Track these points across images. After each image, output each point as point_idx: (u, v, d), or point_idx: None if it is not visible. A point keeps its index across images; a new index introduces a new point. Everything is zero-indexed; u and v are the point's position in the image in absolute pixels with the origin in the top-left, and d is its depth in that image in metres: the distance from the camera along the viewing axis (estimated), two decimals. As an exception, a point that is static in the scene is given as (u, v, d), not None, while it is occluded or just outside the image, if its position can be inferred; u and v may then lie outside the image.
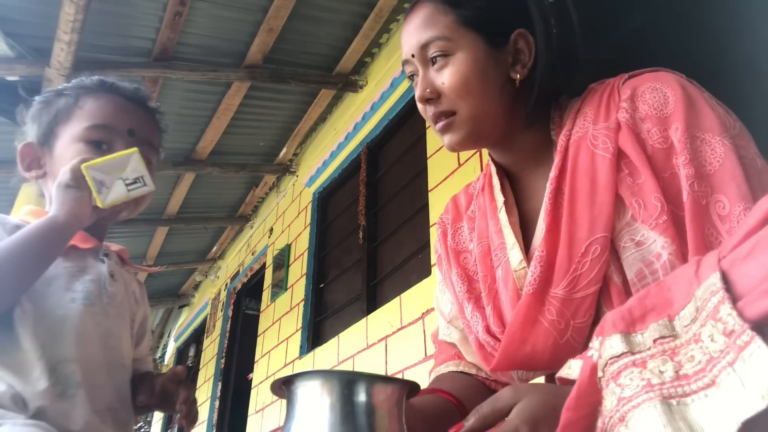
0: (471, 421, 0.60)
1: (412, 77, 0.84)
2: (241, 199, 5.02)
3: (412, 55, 0.81)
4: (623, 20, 1.80)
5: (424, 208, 2.69)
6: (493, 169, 0.87)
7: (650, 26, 1.81)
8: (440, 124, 0.80)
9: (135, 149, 0.87)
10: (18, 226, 0.87)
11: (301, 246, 4.04)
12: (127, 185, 0.84)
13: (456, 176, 2.50)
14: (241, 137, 4.09)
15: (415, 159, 2.99)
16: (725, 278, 0.41)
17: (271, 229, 4.75)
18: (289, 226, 4.40)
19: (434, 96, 0.79)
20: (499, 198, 0.84)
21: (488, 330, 0.82)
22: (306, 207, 4.17)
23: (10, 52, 2.80)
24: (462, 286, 0.88)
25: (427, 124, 2.83)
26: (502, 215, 0.82)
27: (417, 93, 0.81)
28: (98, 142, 0.93)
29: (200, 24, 3.03)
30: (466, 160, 2.44)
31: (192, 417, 0.93)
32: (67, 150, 0.93)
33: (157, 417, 7.06)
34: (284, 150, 4.31)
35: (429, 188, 2.67)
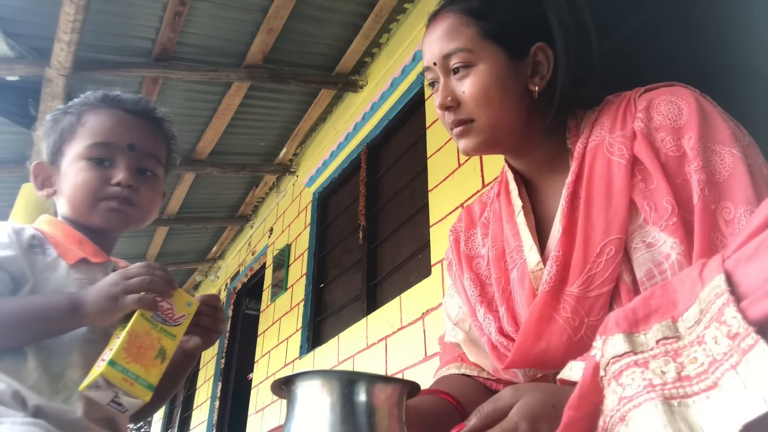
0: (473, 420, 0.60)
1: (432, 84, 0.86)
2: (241, 199, 5.02)
3: (434, 63, 0.84)
4: (623, 20, 1.80)
5: (424, 208, 2.69)
6: (510, 175, 0.90)
7: (650, 26, 1.81)
8: (458, 130, 0.83)
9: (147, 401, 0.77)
10: (34, 236, 0.89)
11: (301, 246, 4.04)
12: (113, 400, 0.75)
13: (456, 176, 2.49)
14: (241, 137, 4.09)
15: (415, 159, 2.99)
16: (729, 279, 0.41)
17: (271, 229, 4.75)
18: (289, 226, 4.40)
19: (454, 104, 0.82)
20: (517, 203, 0.87)
21: (501, 331, 0.84)
22: (306, 207, 4.16)
23: (10, 52, 2.80)
24: (474, 290, 0.90)
25: (427, 124, 2.83)
26: (520, 218, 0.85)
27: (437, 101, 0.84)
28: (100, 159, 0.95)
29: (200, 24, 3.03)
30: (466, 161, 2.44)
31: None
32: (71, 168, 0.96)
33: (157, 417, 7.05)
34: (284, 150, 4.31)
35: (429, 188, 2.67)
